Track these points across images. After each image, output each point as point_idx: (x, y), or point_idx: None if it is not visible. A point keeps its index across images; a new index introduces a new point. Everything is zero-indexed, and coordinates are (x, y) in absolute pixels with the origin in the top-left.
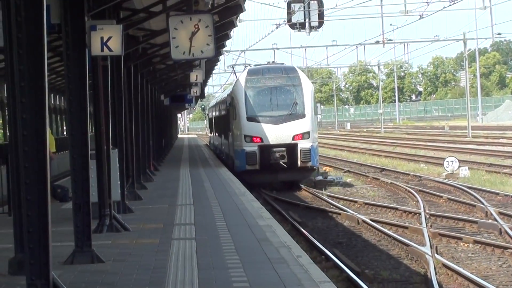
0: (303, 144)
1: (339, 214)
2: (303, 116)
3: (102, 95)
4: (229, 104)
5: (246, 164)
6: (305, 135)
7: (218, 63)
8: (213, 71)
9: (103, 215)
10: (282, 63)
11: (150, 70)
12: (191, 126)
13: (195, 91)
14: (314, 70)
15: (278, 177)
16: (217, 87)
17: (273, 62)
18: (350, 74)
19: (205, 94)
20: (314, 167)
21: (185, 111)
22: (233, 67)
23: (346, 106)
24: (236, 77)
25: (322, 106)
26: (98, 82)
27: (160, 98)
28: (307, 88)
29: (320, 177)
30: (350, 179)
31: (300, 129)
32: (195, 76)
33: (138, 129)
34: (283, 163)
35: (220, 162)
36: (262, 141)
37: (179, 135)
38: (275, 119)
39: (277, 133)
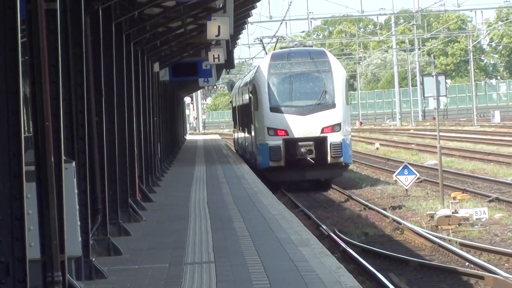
0: (333, 138)
1: (481, 278)
2: (333, 106)
3: (46, 64)
4: (251, 92)
5: (270, 160)
6: (335, 127)
7: (260, 3)
8: (250, 18)
9: (50, 283)
10: (311, 46)
11: (133, 18)
12: (210, 120)
13: (216, 56)
14: (433, 15)
15: (306, 175)
16: (255, 48)
17: (301, 44)
18: (499, 23)
19: (235, 62)
20: (347, 164)
21: (199, 91)
22: (261, 41)
23: (493, 81)
24: (266, 53)
25: (448, 81)
26: (39, 40)
27: (152, 68)
28: (338, 74)
29: (446, 211)
30: (501, 214)
31: (329, 120)
32: (216, 28)
33: (113, 126)
34: (310, 158)
35: (265, 186)
36: (287, 134)
37: (189, 136)
38: (301, 110)
39: (304, 125)
